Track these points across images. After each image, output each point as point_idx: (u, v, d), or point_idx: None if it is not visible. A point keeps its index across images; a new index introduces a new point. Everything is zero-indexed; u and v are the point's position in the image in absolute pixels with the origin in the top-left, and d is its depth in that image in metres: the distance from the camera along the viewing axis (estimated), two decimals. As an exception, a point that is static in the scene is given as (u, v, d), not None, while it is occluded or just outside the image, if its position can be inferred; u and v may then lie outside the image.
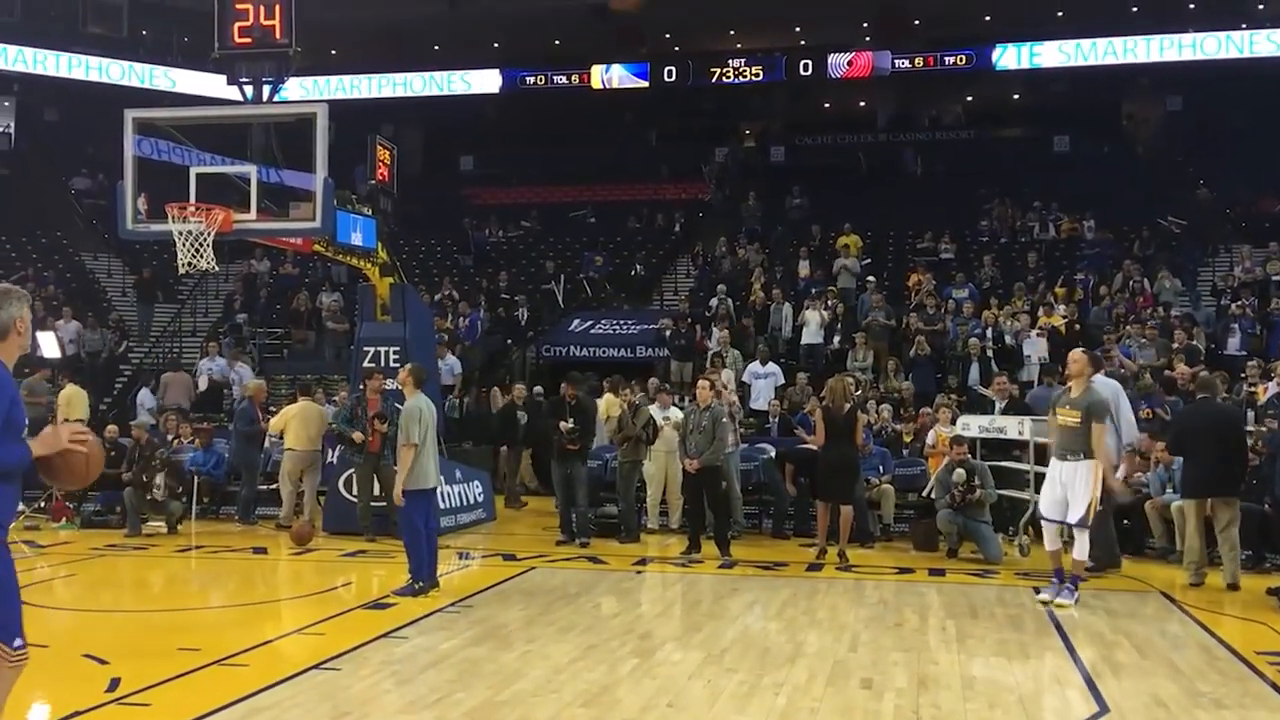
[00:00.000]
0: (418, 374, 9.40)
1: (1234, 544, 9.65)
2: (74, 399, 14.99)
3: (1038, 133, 30.84)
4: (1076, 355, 9.26)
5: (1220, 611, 8.70)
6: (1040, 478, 12.09)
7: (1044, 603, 8.80)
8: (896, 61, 28.41)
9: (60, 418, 14.59)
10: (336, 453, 13.28)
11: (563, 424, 12.00)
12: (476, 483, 13.93)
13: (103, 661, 6.59)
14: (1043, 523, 9.25)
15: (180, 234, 11.39)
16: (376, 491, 12.28)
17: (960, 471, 11.32)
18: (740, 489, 13.06)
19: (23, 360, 4.24)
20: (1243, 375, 15.14)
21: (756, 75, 29.20)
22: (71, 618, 7.94)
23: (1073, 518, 8.83)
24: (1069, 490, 8.87)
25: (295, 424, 13.31)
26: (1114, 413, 10.20)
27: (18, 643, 3.93)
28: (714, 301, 20.63)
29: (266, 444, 14.31)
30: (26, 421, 3.93)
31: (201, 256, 11.36)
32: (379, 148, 13.44)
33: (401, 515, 9.18)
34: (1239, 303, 18.67)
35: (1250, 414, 13.22)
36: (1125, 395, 10.56)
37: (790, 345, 19.58)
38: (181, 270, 12.23)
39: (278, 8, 12.63)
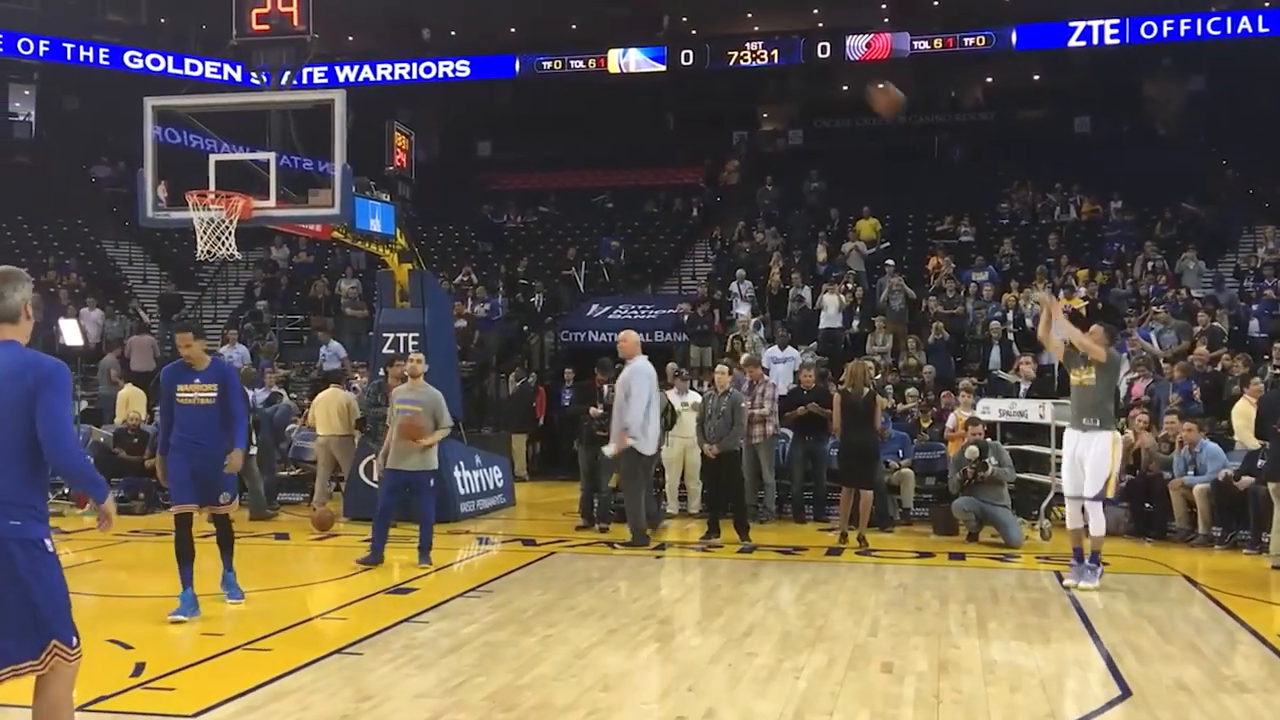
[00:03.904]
0: None
1: None
2: (132, 399, 15.29)
3: (1058, 113, 30.59)
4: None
5: (1243, 595, 8.64)
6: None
7: (1069, 588, 8.64)
8: (915, 43, 28.15)
9: (119, 417, 15.08)
10: (357, 439, 13.36)
11: (592, 410, 12.03)
12: (496, 468, 13.97)
13: (127, 647, 6.65)
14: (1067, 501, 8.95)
15: (201, 222, 11.44)
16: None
17: (973, 449, 11.24)
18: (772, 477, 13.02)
19: (45, 347, 4.25)
20: (1266, 357, 15.00)
21: (774, 58, 29.01)
22: (96, 603, 8.00)
23: (1089, 491, 8.57)
24: (1084, 462, 8.59)
25: (319, 411, 13.50)
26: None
27: (75, 641, 4.08)
28: (733, 286, 20.58)
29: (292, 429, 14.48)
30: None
31: (223, 244, 11.39)
32: (397, 134, 13.46)
33: None
34: (1262, 284, 18.50)
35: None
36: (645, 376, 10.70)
37: (809, 329, 19.53)
38: (200, 257, 12.32)
39: (295, -6, 12.61)
